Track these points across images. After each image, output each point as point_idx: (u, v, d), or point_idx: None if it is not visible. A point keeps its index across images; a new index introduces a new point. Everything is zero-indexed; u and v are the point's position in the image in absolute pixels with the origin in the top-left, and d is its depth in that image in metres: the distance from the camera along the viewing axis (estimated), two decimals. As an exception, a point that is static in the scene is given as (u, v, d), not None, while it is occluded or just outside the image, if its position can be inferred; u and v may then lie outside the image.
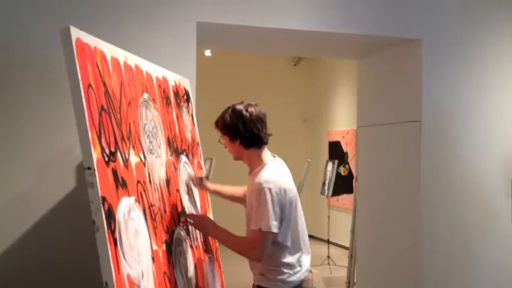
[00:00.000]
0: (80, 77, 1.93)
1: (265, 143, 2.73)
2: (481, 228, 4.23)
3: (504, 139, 4.30)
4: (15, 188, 3.19)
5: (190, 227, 2.86)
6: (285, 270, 2.66)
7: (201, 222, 2.82)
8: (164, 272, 2.38)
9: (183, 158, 3.02)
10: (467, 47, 4.25)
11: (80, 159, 3.15)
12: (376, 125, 4.76)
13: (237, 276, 6.18)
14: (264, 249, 2.59)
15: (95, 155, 1.93)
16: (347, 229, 9.11)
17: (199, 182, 3.07)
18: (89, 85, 2.00)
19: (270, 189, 2.55)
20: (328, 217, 9.00)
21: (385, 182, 4.61)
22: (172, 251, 2.54)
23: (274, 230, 2.55)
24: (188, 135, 3.19)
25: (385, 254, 4.55)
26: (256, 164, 2.72)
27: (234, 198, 3.11)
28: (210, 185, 3.12)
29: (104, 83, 2.14)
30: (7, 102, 3.21)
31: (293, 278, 2.67)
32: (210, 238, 3.16)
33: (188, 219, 2.81)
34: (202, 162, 3.37)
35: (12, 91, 3.21)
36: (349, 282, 5.15)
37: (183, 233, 2.74)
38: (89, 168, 1.91)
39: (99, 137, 2.00)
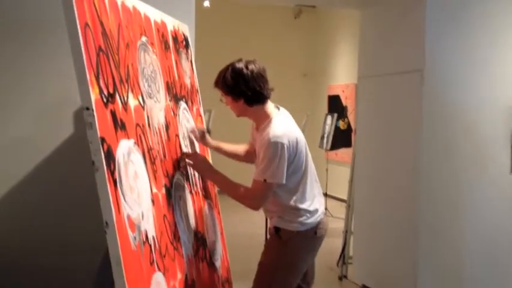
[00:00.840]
0: (76, 16, 1.89)
1: (268, 98, 2.74)
2: (480, 177, 4.24)
3: (506, 90, 4.27)
4: (13, 134, 3.17)
5: (190, 171, 2.87)
6: (303, 213, 2.75)
7: (201, 163, 2.84)
8: (164, 215, 2.39)
9: (183, 104, 2.99)
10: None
11: (77, 106, 3.14)
12: (378, 76, 4.72)
13: (236, 225, 6.29)
14: (264, 200, 2.70)
15: (93, 95, 1.91)
16: (345, 183, 9.13)
17: (201, 136, 3.03)
18: (86, 24, 1.96)
19: (276, 143, 2.60)
20: (327, 170, 9.04)
21: (385, 133, 4.61)
22: (172, 195, 2.55)
23: (278, 180, 2.63)
24: (187, 82, 3.16)
25: (383, 204, 4.58)
26: (262, 120, 2.74)
27: (235, 156, 3.13)
28: (211, 140, 3.09)
29: (102, 23, 2.10)
30: (1, 49, 3.16)
31: (311, 220, 2.77)
32: (209, 184, 3.17)
33: (187, 159, 2.81)
34: (201, 110, 3.35)
35: (8, 36, 3.15)
36: (346, 231, 5.20)
37: (182, 179, 2.75)
38: (88, 109, 1.90)
39: (97, 78, 1.97)
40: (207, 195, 3.13)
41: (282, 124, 2.70)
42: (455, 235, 4.24)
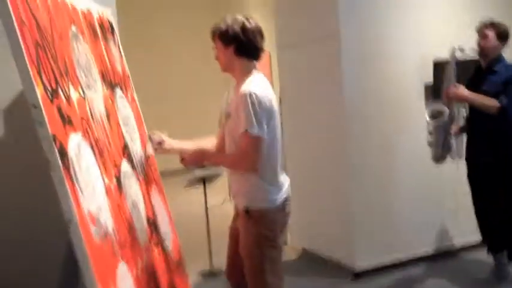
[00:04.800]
0: (12, 13, 1.83)
1: (257, 58, 2.73)
2: (399, 127, 4.49)
3: (419, 47, 4.49)
4: None
5: (135, 158, 2.86)
6: (272, 189, 2.69)
7: (194, 157, 2.83)
8: (118, 205, 2.38)
9: (118, 91, 2.96)
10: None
11: (5, 103, 3.02)
12: (296, 45, 4.82)
13: (182, 205, 6.31)
14: (256, 156, 2.58)
15: (39, 92, 1.87)
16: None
17: (160, 146, 2.95)
18: (22, 20, 1.90)
19: (256, 95, 2.54)
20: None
21: (310, 98, 4.73)
22: (122, 185, 2.54)
23: (263, 134, 2.56)
24: (119, 68, 3.11)
25: (315, 168, 4.74)
26: (244, 75, 2.69)
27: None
28: (173, 143, 2.98)
29: (35, 17, 2.04)
30: None
31: (279, 196, 2.71)
32: (153, 168, 3.17)
33: (182, 161, 2.84)
34: (135, 95, 3.31)
35: None
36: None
37: (129, 166, 2.73)
38: (35, 107, 1.85)
39: (40, 74, 1.92)
40: (151, 179, 3.12)
41: (261, 82, 2.66)
42: (385, 185, 4.47)
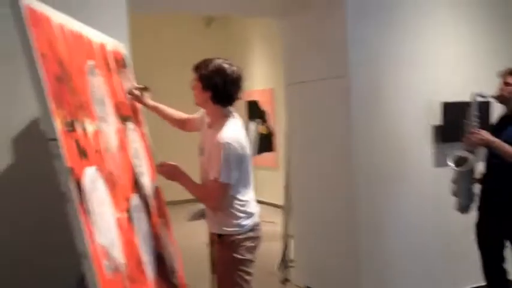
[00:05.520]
0: (35, 47, 1.86)
1: (232, 105, 2.89)
2: (405, 171, 4.49)
3: (427, 88, 4.53)
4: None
5: (145, 191, 2.86)
6: (241, 216, 2.89)
7: (172, 170, 2.91)
8: (128, 239, 2.38)
9: (129, 124, 2.97)
10: (392, 1, 4.43)
11: (17, 131, 3.04)
12: (304, 82, 4.86)
13: (186, 237, 6.27)
14: (221, 199, 2.82)
15: (58, 125, 1.89)
16: (271, 187, 9.33)
17: (139, 95, 3.15)
18: (43, 54, 1.93)
19: (230, 145, 2.73)
20: (254, 176, 9.13)
21: (316, 137, 4.75)
22: (132, 218, 2.53)
23: (232, 181, 2.78)
24: (129, 102, 3.14)
25: (321, 206, 4.72)
26: (218, 120, 2.88)
27: (170, 119, 3.29)
28: (149, 100, 3.21)
29: (55, 51, 2.07)
30: None
31: (247, 221, 2.91)
32: (162, 203, 3.17)
33: (159, 168, 2.94)
34: (145, 128, 3.33)
35: None
36: (286, 235, 5.32)
37: (139, 200, 2.73)
38: (54, 140, 1.87)
39: (59, 108, 1.94)
40: (159, 212, 3.12)
41: (235, 129, 2.85)
42: (392, 230, 4.46)
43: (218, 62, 2.82)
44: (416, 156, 4.54)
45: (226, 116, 2.87)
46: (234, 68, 2.82)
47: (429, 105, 4.53)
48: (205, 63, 2.83)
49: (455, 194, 3.84)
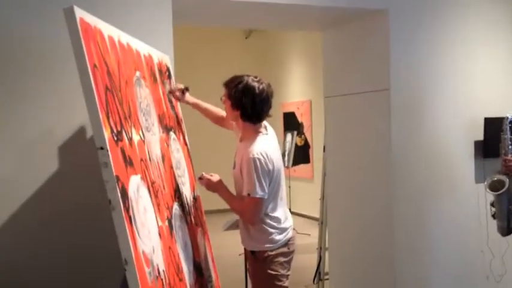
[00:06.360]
0: (87, 58, 1.93)
1: (262, 121, 2.91)
2: (446, 186, 4.44)
3: (468, 103, 4.48)
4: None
5: (185, 201, 2.91)
6: (272, 230, 2.90)
7: (214, 183, 2.96)
8: (169, 247, 2.42)
9: (172, 134, 3.04)
10: (433, 15, 4.38)
11: (62, 140, 3.13)
12: (344, 95, 4.86)
13: (222, 247, 6.31)
14: (257, 213, 2.84)
15: (106, 134, 1.94)
16: (306, 198, 9.32)
17: (181, 94, 3.22)
18: (95, 65, 2.00)
19: (259, 160, 2.76)
20: (289, 187, 9.16)
21: (354, 150, 4.74)
22: (173, 226, 2.58)
23: (265, 195, 2.79)
24: (173, 112, 3.20)
25: (357, 220, 4.69)
26: (248, 135, 2.91)
27: (209, 115, 3.37)
28: (190, 97, 3.30)
29: (105, 63, 2.13)
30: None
31: (280, 237, 2.92)
32: (200, 212, 3.22)
33: (200, 180, 2.98)
34: (187, 139, 3.39)
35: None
36: (320, 247, 5.31)
37: (179, 209, 2.78)
38: (102, 148, 1.92)
39: (108, 117, 2.00)
40: (197, 222, 3.16)
41: (265, 144, 2.86)
42: (430, 245, 4.40)
43: (247, 80, 2.83)
44: (457, 172, 4.48)
45: (256, 132, 2.89)
46: (263, 86, 2.84)
47: (471, 120, 4.47)
48: (234, 81, 2.85)
49: (495, 216, 3.85)
